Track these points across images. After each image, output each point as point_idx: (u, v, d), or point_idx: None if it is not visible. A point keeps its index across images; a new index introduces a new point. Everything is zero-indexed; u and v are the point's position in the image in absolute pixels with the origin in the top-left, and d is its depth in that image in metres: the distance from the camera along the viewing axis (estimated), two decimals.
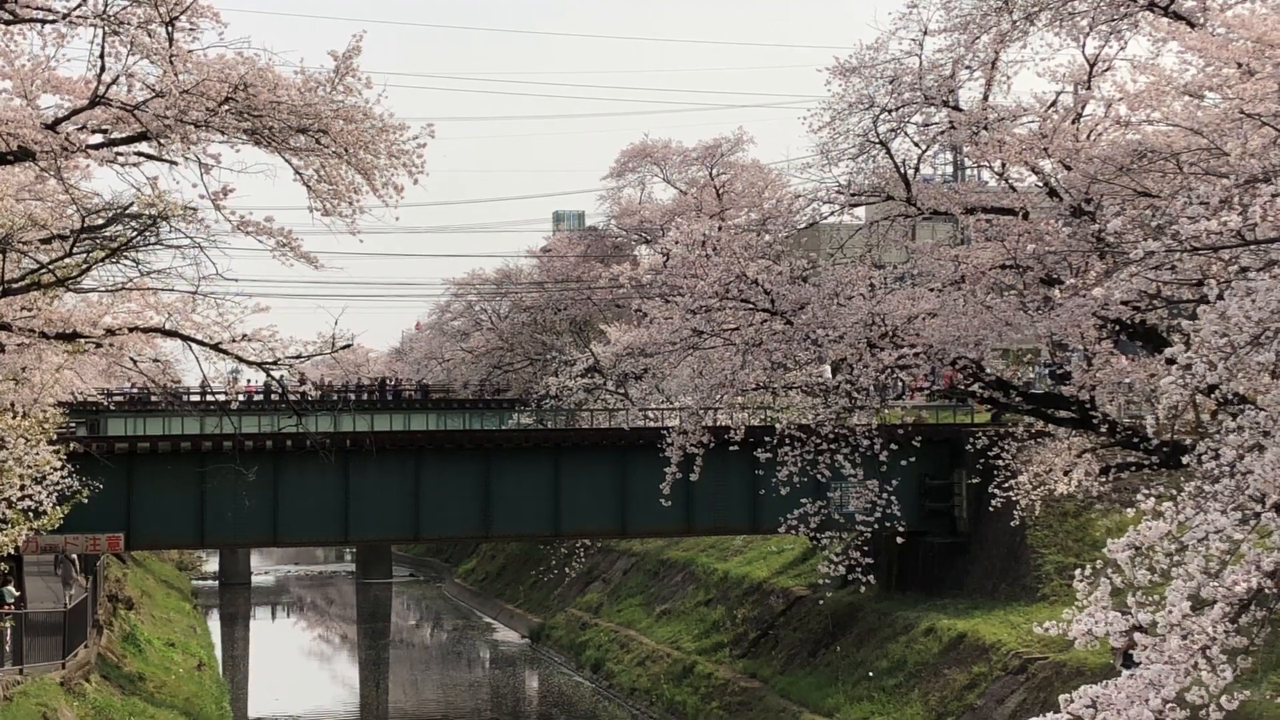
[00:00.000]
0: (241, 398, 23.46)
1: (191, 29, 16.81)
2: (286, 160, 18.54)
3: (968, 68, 24.96)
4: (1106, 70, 24.39)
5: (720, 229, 26.21)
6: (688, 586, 49.75)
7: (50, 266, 19.95)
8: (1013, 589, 35.67)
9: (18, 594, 31.82)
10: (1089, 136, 23.88)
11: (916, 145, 26.13)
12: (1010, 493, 27.80)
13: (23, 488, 21.57)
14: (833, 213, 27.14)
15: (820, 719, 34.12)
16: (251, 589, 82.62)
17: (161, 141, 17.77)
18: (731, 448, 26.88)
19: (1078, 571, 12.58)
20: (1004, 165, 24.74)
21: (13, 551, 22.11)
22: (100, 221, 20.06)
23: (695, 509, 39.29)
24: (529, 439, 42.82)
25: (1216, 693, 11.58)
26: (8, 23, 16.97)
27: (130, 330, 20.92)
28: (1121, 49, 24.40)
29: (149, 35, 16.64)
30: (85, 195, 20.27)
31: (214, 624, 66.86)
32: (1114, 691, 11.63)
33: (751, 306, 24.92)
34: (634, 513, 40.17)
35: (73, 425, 37.55)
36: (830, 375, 26.25)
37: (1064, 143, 22.99)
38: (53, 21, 16.98)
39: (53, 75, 17.68)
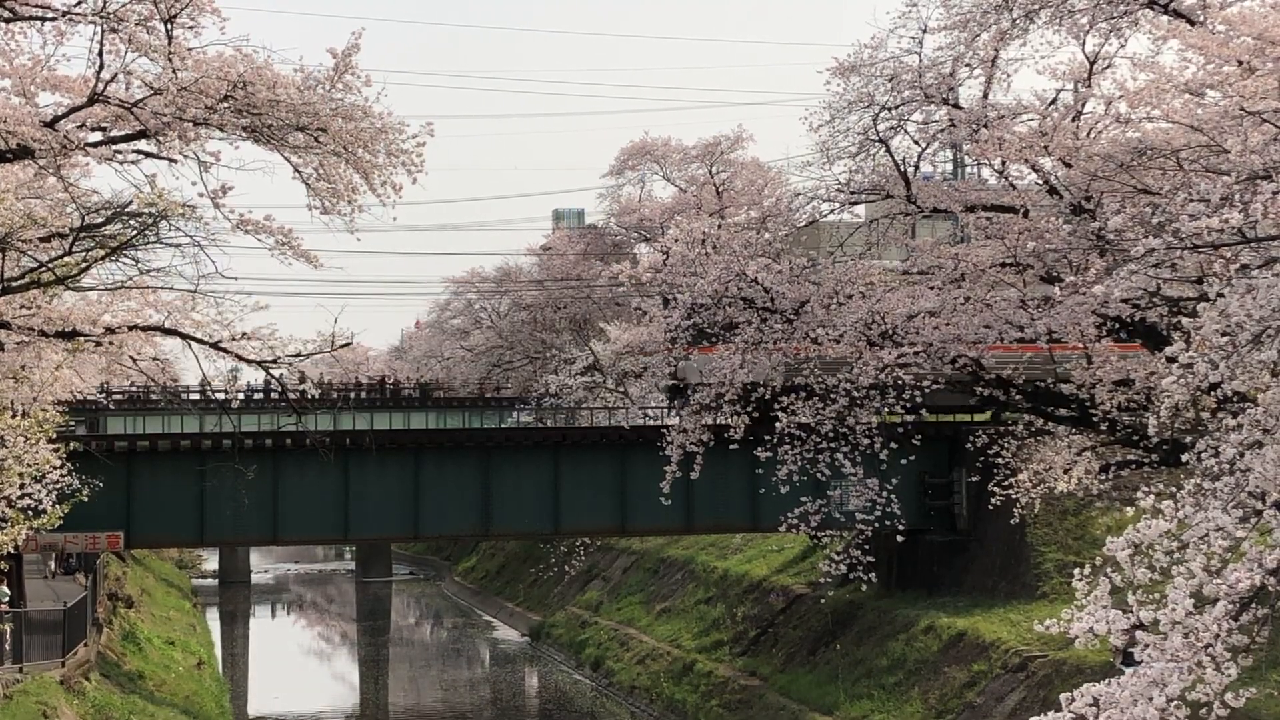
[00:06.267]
0: (241, 396, 23.42)
1: (192, 25, 16.79)
2: (285, 158, 18.53)
3: (967, 65, 24.94)
4: (1107, 68, 24.37)
5: (720, 227, 26.20)
6: (688, 585, 49.74)
7: (50, 265, 19.93)
8: (1012, 587, 35.66)
9: (9, 594, 31.79)
10: (1089, 134, 23.85)
11: (916, 143, 26.10)
12: (1010, 491, 27.80)
13: (22, 486, 21.55)
14: (832, 211, 27.12)
15: (820, 717, 34.11)
16: (251, 587, 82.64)
17: (160, 139, 17.75)
18: (731, 446, 26.85)
19: (1077, 570, 12.56)
20: (1004, 163, 24.71)
21: (12, 550, 22.09)
22: (100, 220, 20.05)
23: (695, 507, 39.26)
24: (529, 437, 42.81)
25: (1220, 691, 11.57)
26: (7, 20, 16.95)
27: (130, 329, 20.91)
28: (1122, 47, 24.40)
29: (148, 32, 16.62)
30: (84, 193, 20.26)
31: (214, 622, 66.88)
32: (1117, 690, 11.62)
33: (751, 305, 24.90)
34: (634, 511, 40.15)
35: (72, 424, 37.53)
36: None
37: (1064, 140, 22.96)
38: (52, 19, 16.96)
39: (52, 73, 17.66)
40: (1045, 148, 23.32)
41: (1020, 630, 31.36)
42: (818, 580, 39.98)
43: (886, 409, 25.00)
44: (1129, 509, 13.68)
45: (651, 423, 42.24)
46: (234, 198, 18.42)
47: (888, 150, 25.49)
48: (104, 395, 42.82)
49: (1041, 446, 27.41)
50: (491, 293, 76.75)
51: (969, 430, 34.66)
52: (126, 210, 19.76)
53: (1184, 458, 14.20)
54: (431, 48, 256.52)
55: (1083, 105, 24.24)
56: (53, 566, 44.61)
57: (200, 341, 20.55)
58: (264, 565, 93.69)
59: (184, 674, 42.53)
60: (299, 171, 18.74)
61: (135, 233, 20.15)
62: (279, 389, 23.55)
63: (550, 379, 60.88)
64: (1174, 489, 12.77)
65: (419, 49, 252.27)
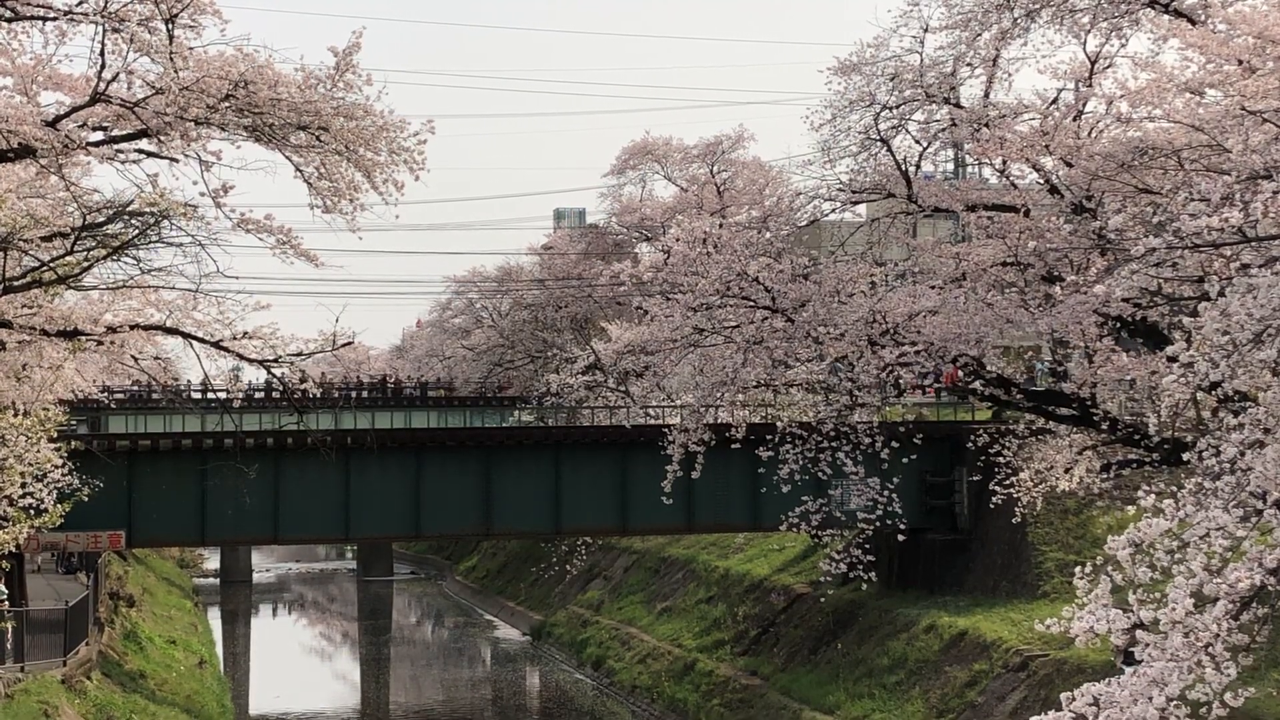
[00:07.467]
0: (242, 395, 23.42)
1: (193, 25, 16.78)
2: (287, 157, 18.52)
3: (969, 65, 24.97)
4: (1108, 67, 24.39)
5: (721, 226, 26.17)
6: (689, 584, 49.75)
7: (51, 264, 19.93)
8: (1014, 586, 35.67)
9: (5, 593, 31.80)
10: (1090, 133, 23.86)
11: (918, 142, 26.13)
12: (1011, 490, 27.82)
13: (24, 485, 21.55)
14: (834, 210, 27.13)
15: (821, 716, 34.11)
16: (253, 586, 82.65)
17: (162, 138, 17.75)
18: (733, 445, 26.86)
19: (1078, 569, 12.57)
20: (1005, 162, 24.72)
21: (14, 550, 22.10)
22: (101, 219, 20.04)
23: (696, 507, 39.27)
24: (530, 436, 42.83)
25: (1219, 690, 11.57)
26: (9, 20, 16.95)
27: (131, 328, 20.90)
28: (1123, 46, 24.44)
29: (150, 32, 16.62)
30: (86, 192, 20.24)
31: (215, 621, 66.88)
32: (1117, 689, 11.63)
33: (753, 304, 24.89)
34: (635, 510, 40.16)
35: (73, 423, 37.55)
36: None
37: (1065, 140, 22.97)
38: (54, 19, 16.96)
39: (54, 72, 17.67)
40: (1046, 147, 23.33)
41: (1021, 629, 31.36)
42: (819, 579, 39.95)
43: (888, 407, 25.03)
44: (1130, 508, 13.70)
45: (653, 422, 42.22)
46: (235, 197, 18.44)
47: (889, 149, 25.51)
48: (105, 395, 42.77)
49: (1043, 446, 27.42)
50: (493, 292, 76.72)
51: (970, 429, 34.67)
52: (128, 209, 19.75)
53: (1185, 457, 14.22)
54: (432, 47, 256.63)
55: (1084, 104, 24.26)
56: (39, 563, 44.59)
57: (202, 341, 20.55)
58: (265, 564, 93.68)
59: (185, 673, 42.54)
60: (300, 170, 18.74)
61: (137, 232, 20.14)
62: (280, 388, 23.53)
63: (551, 378, 60.82)
64: (1175, 488, 12.78)
65: (419, 49, 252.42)
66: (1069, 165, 22.94)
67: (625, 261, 29.40)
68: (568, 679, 49.51)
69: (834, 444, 25.11)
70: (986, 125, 23.99)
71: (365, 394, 76.28)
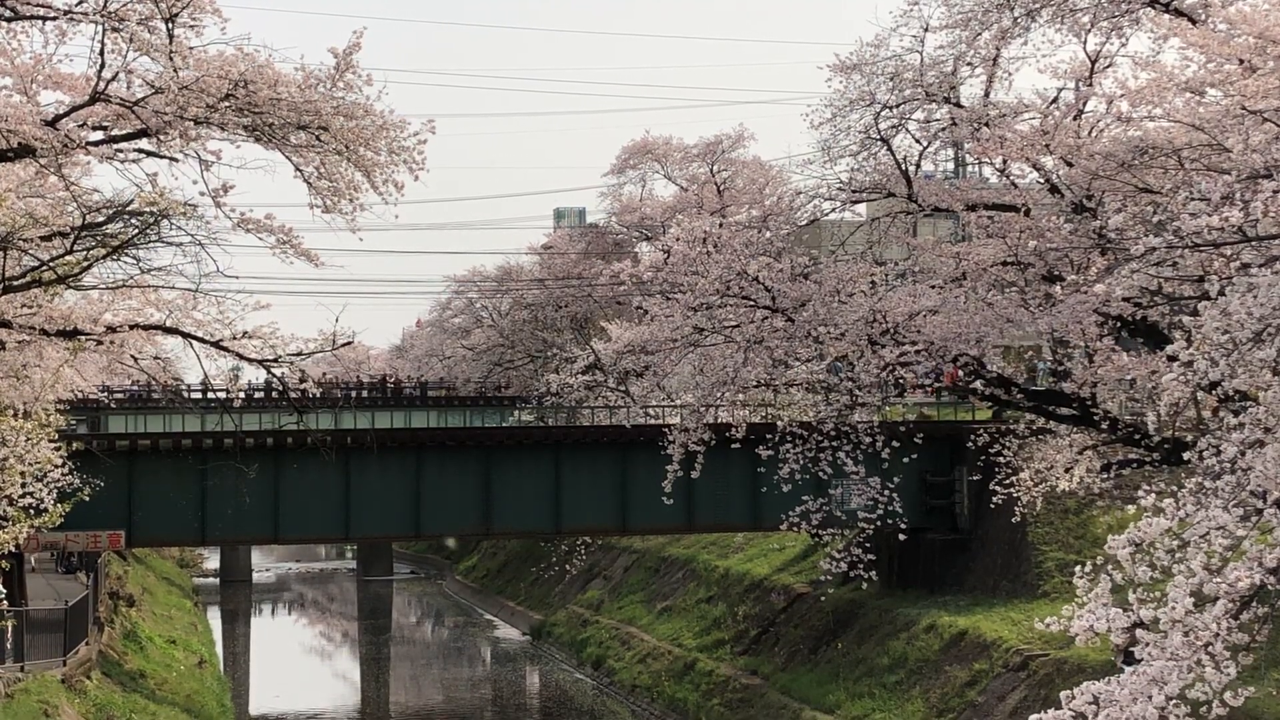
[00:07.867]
0: (242, 395, 23.42)
1: (193, 25, 16.77)
2: (287, 157, 18.52)
3: (969, 64, 24.97)
4: (1108, 66, 24.39)
5: (721, 226, 26.16)
6: (689, 584, 49.75)
7: (51, 264, 19.93)
8: (1014, 586, 35.67)
9: (4, 593, 31.78)
10: (1090, 133, 23.86)
11: (918, 142, 26.13)
12: (1011, 489, 27.82)
13: (24, 485, 21.54)
14: (834, 209, 27.13)
15: (821, 716, 34.11)
16: (252, 586, 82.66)
17: (161, 138, 17.74)
18: (733, 445, 26.86)
19: (1079, 568, 12.57)
20: (1005, 162, 24.72)
21: (14, 549, 22.09)
22: (101, 219, 20.04)
23: (696, 506, 39.27)
24: (530, 436, 42.82)
25: (1219, 689, 11.57)
26: (9, 19, 16.94)
27: (131, 327, 20.90)
28: (1123, 45, 24.44)
29: (149, 31, 16.61)
30: (85, 192, 20.24)
31: (215, 621, 66.90)
32: (1116, 688, 11.63)
33: (753, 304, 24.89)
34: (635, 510, 40.16)
35: (73, 423, 37.52)
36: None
37: (1065, 139, 22.96)
38: (54, 18, 16.95)
39: (53, 72, 17.66)
40: (1047, 146, 23.32)
41: (1021, 629, 31.36)
42: (819, 579, 39.95)
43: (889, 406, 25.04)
44: (1130, 508, 13.69)
45: (653, 422, 42.22)
46: (235, 196, 18.44)
47: (889, 149, 25.51)
48: (105, 394, 42.71)
49: (1043, 445, 27.42)
50: (493, 291, 76.70)
51: (970, 429, 34.68)
52: (128, 209, 19.75)
53: (1185, 457, 14.22)
54: (432, 47, 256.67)
55: (1084, 104, 24.25)
56: (34, 562, 44.57)
57: (202, 340, 20.55)
58: (265, 564, 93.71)
59: (185, 673, 42.54)
60: (300, 170, 18.73)
61: (136, 231, 20.15)
62: (280, 388, 23.53)
63: (551, 378, 60.81)
64: (1175, 488, 12.78)
65: (420, 48, 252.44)
66: (1069, 165, 22.93)
67: (625, 261, 29.39)
68: (568, 678, 49.51)
69: (834, 444, 25.11)
70: (986, 124, 23.99)
71: (365, 394, 76.29)
